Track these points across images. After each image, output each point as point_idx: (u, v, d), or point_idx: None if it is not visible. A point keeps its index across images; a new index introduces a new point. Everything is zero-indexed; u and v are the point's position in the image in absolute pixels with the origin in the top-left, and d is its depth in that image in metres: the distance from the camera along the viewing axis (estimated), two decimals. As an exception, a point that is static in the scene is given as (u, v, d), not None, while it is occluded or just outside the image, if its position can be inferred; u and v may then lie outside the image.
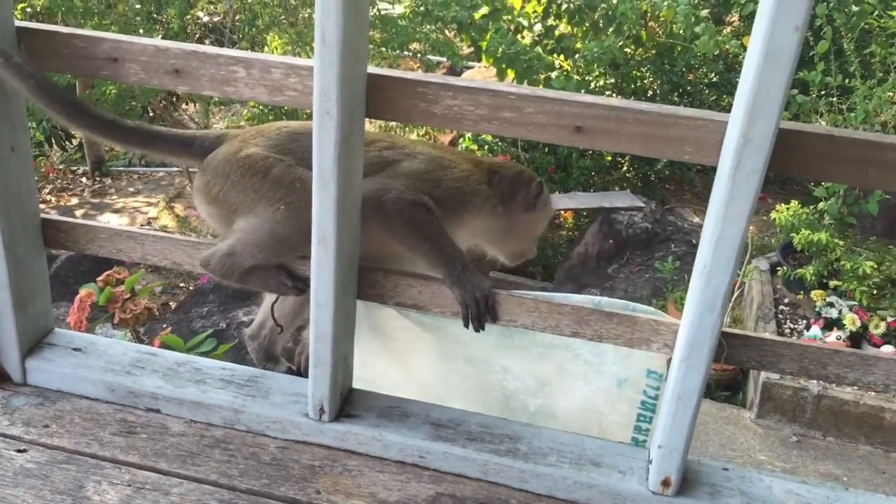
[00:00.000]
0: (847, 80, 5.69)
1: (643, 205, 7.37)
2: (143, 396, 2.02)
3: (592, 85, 8.34)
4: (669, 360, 1.97)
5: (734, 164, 1.53)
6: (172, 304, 7.39)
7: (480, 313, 1.87)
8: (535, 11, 8.82)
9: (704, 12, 7.16)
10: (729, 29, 8.68)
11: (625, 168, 8.51)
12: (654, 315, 1.87)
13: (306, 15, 8.64)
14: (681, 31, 7.60)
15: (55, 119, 1.91)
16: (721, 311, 1.65)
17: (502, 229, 2.19)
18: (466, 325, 1.89)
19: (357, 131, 1.75)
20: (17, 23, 1.83)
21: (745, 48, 7.00)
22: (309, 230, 1.80)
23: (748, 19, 8.23)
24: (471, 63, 11.27)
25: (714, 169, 1.63)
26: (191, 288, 7.53)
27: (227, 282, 2.00)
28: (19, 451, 1.89)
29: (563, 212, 8.01)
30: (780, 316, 5.82)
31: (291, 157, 1.96)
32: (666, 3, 7.35)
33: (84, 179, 10.20)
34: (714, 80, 8.61)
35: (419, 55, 9.06)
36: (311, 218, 1.78)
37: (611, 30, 8.04)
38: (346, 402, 2.02)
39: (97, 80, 7.93)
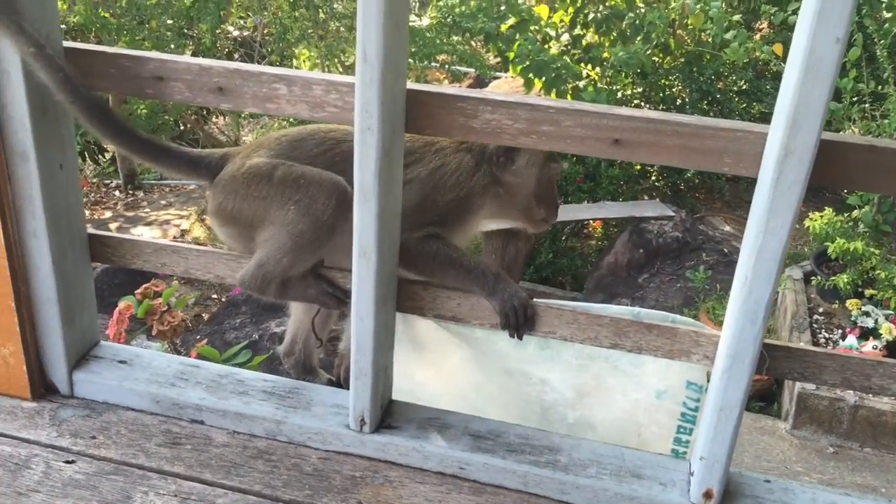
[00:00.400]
0: (880, 87, 5.63)
1: (673, 214, 7.33)
2: (187, 408, 2.06)
3: (620, 94, 8.34)
4: (709, 372, 1.97)
5: (775, 175, 1.53)
6: (205, 316, 7.48)
7: (519, 323, 1.88)
8: (562, 21, 8.84)
9: (736, 17, 7.12)
10: (759, 36, 8.62)
11: (654, 177, 8.48)
12: (695, 326, 1.87)
13: (335, 28, 8.73)
14: (710, 39, 7.58)
15: (77, 117, 1.88)
16: (763, 323, 1.65)
17: (508, 203, 2.13)
18: (511, 335, 1.90)
19: (397, 146, 1.78)
20: (66, 43, 1.88)
21: (776, 55, 6.97)
22: (323, 224, 1.86)
23: (778, 27, 8.19)
24: (497, 73, 11.30)
25: (751, 180, 1.63)
26: (223, 300, 7.62)
27: (266, 297, 2.02)
28: (68, 462, 1.93)
29: (591, 221, 8.00)
30: (815, 325, 5.76)
31: (294, 162, 1.99)
32: (699, 6, 7.32)
33: (117, 193, 10.36)
34: (744, 87, 8.57)
35: (446, 66, 9.10)
36: (321, 211, 1.85)
37: (639, 38, 8.03)
38: (387, 414, 2.04)
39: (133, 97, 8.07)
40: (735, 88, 8.62)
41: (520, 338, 1.90)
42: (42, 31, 1.77)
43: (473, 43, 9.93)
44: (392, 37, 1.62)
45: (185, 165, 2.07)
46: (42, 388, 2.10)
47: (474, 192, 2.04)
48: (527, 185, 2.10)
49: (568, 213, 7.38)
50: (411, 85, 1.76)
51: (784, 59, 7.30)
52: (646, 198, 8.15)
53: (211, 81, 1.84)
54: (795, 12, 6.79)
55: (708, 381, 1.99)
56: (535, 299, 1.92)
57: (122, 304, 3.61)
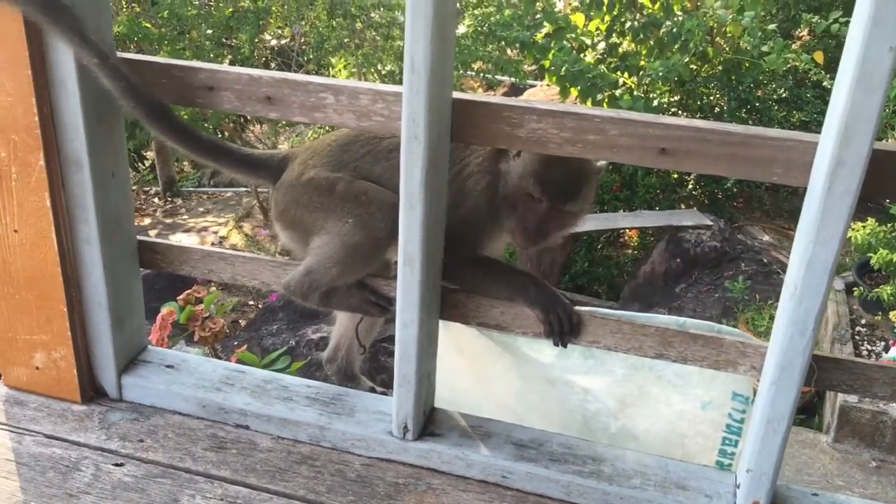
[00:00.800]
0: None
1: (711, 223, 7.26)
2: (232, 413, 2.08)
3: (657, 102, 8.28)
4: (756, 383, 1.95)
5: (826, 185, 1.51)
6: (242, 322, 7.56)
7: (563, 330, 1.88)
8: (598, 30, 8.82)
9: (772, 27, 7.05)
10: (798, 44, 8.52)
11: (691, 186, 8.40)
12: (741, 337, 1.85)
13: (371, 38, 8.80)
14: (748, 48, 7.51)
15: (142, 121, 1.91)
16: (812, 334, 1.63)
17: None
18: (555, 343, 1.90)
19: (443, 155, 1.79)
20: (119, 54, 1.92)
21: (815, 63, 6.88)
22: (377, 239, 1.89)
23: (820, 35, 8.09)
24: (532, 82, 11.30)
25: (790, 188, 1.62)
26: (260, 306, 7.69)
27: (309, 304, 2.05)
28: (117, 464, 1.96)
29: (628, 230, 7.95)
30: (857, 337, 5.66)
31: (346, 169, 2.01)
32: (731, 18, 7.27)
33: (156, 200, 10.54)
34: (783, 95, 8.46)
35: (482, 74, 9.12)
36: (378, 228, 1.88)
37: (676, 47, 7.98)
38: (430, 421, 2.04)
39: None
40: (774, 97, 8.53)
41: (564, 346, 1.90)
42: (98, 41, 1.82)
43: (508, 52, 9.94)
44: (439, 47, 1.63)
45: (245, 166, 2.11)
46: (91, 391, 2.14)
47: (494, 202, 2.00)
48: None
49: (604, 221, 7.35)
50: (457, 94, 1.78)
51: (824, 67, 7.22)
52: (682, 207, 8.08)
53: (259, 91, 1.87)
54: (838, 20, 6.72)
55: (754, 392, 1.97)
56: (577, 307, 1.91)
57: (164, 310, 3.67)
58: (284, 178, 2.07)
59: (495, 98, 1.84)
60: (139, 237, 2.13)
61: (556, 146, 1.75)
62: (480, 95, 1.92)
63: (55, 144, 1.88)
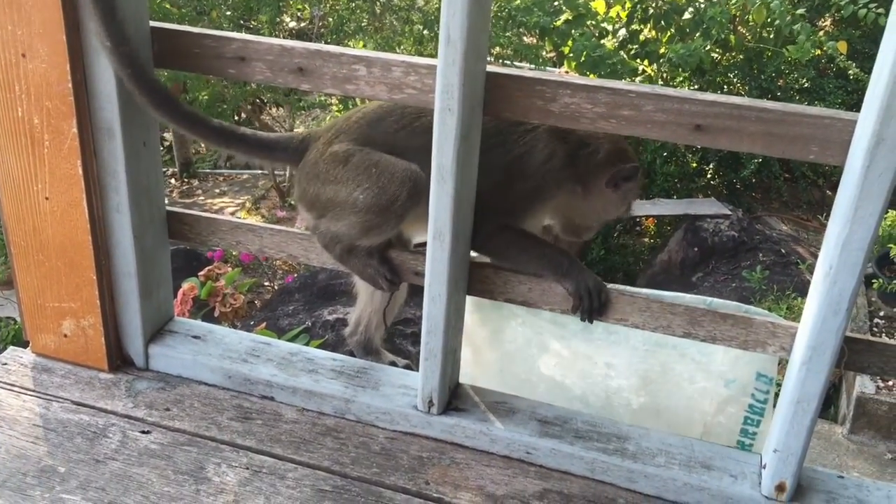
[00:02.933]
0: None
1: (729, 212, 7.21)
2: (258, 384, 2.09)
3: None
4: (781, 364, 1.94)
5: (865, 163, 1.50)
6: (258, 303, 7.59)
7: (593, 307, 1.87)
8: (618, 16, 8.74)
9: (800, 11, 6.97)
10: (822, 33, 8.43)
11: (709, 175, 8.35)
12: (770, 317, 1.84)
13: (390, 21, 8.77)
14: (771, 36, 7.42)
15: (150, 111, 1.91)
16: (846, 315, 1.61)
17: (574, 206, 2.10)
18: (582, 318, 1.89)
19: (475, 128, 1.78)
20: (152, 23, 1.92)
21: (840, 52, 6.79)
22: (391, 212, 1.89)
23: (843, 24, 8.00)
24: (551, 68, 11.23)
25: (809, 180, 1.60)
26: (275, 287, 7.71)
27: (330, 254, 2.04)
28: (143, 432, 1.98)
29: (644, 219, 7.90)
30: (876, 329, 5.62)
31: (373, 145, 1.97)
32: (758, 2, 7.17)
33: (173, 181, 10.56)
34: (805, 85, 8.37)
35: (500, 60, 9.07)
36: (391, 201, 1.88)
37: (697, 34, 7.90)
38: (454, 396, 2.05)
39: (190, 84, 8.21)
40: (796, 86, 8.44)
41: (590, 321, 1.90)
42: (129, 10, 1.82)
43: (527, 38, 9.88)
44: (475, 18, 1.62)
45: (262, 149, 2.09)
46: (118, 360, 2.16)
47: (554, 184, 2.01)
48: (612, 209, 2.10)
49: (621, 209, 7.31)
50: (490, 68, 1.77)
51: (849, 56, 7.12)
52: (700, 196, 8.03)
53: (292, 62, 1.87)
54: (866, 6, 6.64)
55: (779, 373, 1.96)
56: (608, 284, 1.91)
57: (186, 286, 3.70)
58: (307, 158, 2.05)
59: (529, 72, 1.83)
60: (168, 208, 2.13)
61: (589, 121, 1.74)
62: (514, 69, 1.90)
63: (88, 112, 1.88)
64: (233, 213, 9.30)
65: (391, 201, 1.90)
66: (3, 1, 1.78)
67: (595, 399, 2.19)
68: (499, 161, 1.95)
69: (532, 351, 2.24)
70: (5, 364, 2.15)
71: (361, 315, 2.37)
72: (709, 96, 1.69)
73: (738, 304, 1.95)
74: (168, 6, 8.24)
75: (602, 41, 8.32)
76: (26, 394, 2.07)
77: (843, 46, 7.06)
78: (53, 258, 2.03)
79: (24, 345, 2.21)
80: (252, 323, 5.76)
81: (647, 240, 7.93)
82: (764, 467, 1.84)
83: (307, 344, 3.65)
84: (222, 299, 3.61)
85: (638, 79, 7.95)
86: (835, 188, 1.63)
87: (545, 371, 2.23)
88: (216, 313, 3.65)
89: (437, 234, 1.81)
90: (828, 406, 5.59)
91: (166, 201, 2.16)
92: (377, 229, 1.96)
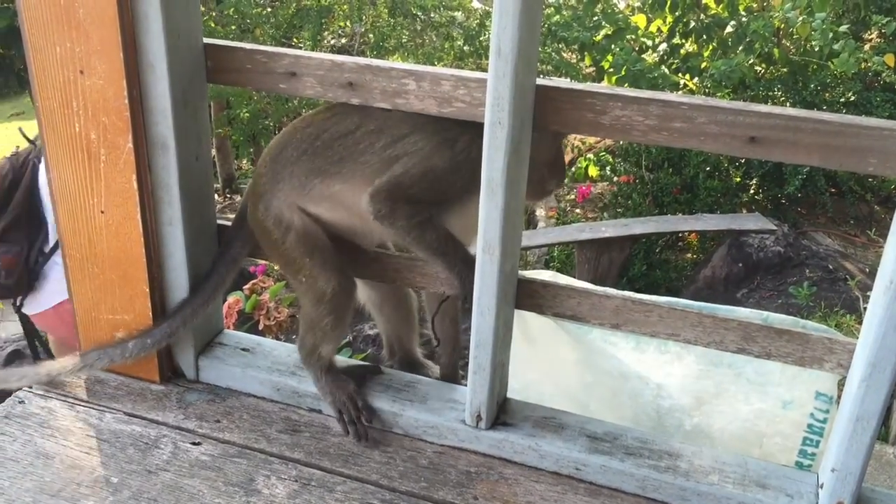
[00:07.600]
0: None
1: (775, 228, 7.09)
2: (306, 397, 2.10)
3: (719, 105, 8.10)
4: (840, 382, 1.90)
5: (928, 175, 1.46)
6: (298, 317, 7.64)
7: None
8: (659, 30, 8.70)
9: (843, 28, 6.87)
10: (868, 47, 8.29)
11: (753, 190, 8.23)
12: (828, 333, 1.80)
13: (431, 38, 8.83)
14: (816, 49, 7.32)
15: None
16: (908, 330, 1.57)
17: None
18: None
19: (525, 141, 1.78)
20: (205, 40, 1.95)
21: (887, 66, 6.67)
22: (326, 302, 1.98)
23: (890, 37, 7.86)
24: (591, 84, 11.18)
25: (857, 195, 1.56)
26: (316, 301, 7.76)
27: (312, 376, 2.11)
28: (194, 443, 1.99)
29: (687, 234, 7.81)
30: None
31: (282, 181, 1.97)
32: (801, 19, 7.10)
33: (216, 196, 10.74)
34: (852, 99, 8.23)
35: (541, 75, 9.08)
36: (321, 290, 1.97)
37: (740, 48, 7.82)
38: (502, 411, 2.03)
39: (233, 101, 8.34)
40: (842, 100, 8.30)
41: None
42: (183, 28, 1.85)
43: (566, 53, 9.86)
44: (526, 30, 1.62)
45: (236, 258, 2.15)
46: (169, 371, 2.19)
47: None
48: (542, 155, 1.94)
49: (663, 224, 7.23)
50: (540, 80, 1.77)
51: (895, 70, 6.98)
52: (744, 211, 7.92)
53: (342, 77, 1.88)
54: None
55: (839, 391, 1.92)
56: (658, 297, 1.88)
57: (231, 299, 3.73)
58: (249, 215, 2.07)
59: (579, 84, 1.82)
60: (219, 221, 2.16)
61: (641, 134, 1.73)
62: (564, 81, 1.89)
63: (143, 127, 1.92)
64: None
65: (324, 292, 1.99)
66: (61, 19, 1.83)
67: (647, 419, 2.16)
68: (425, 148, 1.90)
69: (581, 369, 2.21)
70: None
71: (389, 337, 2.36)
72: (763, 108, 1.66)
73: (795, 318, 1.91)
74: (213, 24, 8.40)
75: (642, 55, 8.28)
76: (80, 405, 2.10)
77: (889, 60, 6.94)
78: (108, 271, 2.06)
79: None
80: (294, 336, 5.81)
81: (689, 255, 7.83)
82: (821, 487, 1.79)
83: (350, 357, 3.66)
84: (266, 312, 3.65)
85: (679, 93, 7.88)
86: (883, 203, 1.60)
87: (595, 390, 2.20)
88: (260, 326, 3.68)
89: (486, 247, 1.80)
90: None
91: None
92: (331, 323, 2.04)
